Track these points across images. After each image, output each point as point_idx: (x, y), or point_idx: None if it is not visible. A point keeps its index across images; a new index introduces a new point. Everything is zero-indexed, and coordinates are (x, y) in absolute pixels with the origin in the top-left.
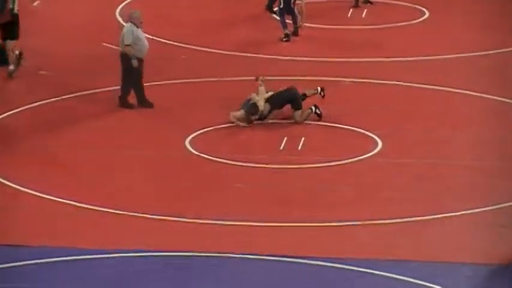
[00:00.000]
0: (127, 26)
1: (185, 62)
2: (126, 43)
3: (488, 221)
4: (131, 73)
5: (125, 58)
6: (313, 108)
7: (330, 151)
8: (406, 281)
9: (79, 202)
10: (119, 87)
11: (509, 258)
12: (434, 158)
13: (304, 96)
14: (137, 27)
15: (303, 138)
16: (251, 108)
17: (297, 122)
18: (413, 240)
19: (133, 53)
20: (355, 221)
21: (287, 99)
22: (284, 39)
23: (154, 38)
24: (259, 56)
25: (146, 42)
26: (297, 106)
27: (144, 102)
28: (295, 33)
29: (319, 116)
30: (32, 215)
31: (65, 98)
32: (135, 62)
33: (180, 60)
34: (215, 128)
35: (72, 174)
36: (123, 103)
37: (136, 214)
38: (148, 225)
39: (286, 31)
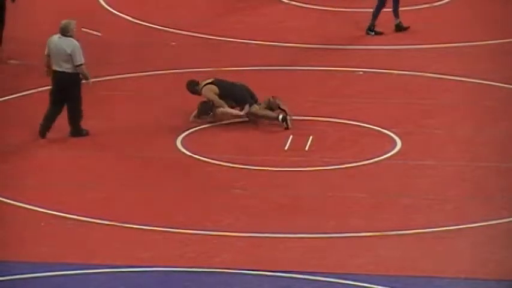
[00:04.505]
0: (68, 40)
1: (175, 49)
2: (78, 63)
3: None
4: (79, 96)
5: (72, 80)
6: (281, 116)
7: (341, 152)
8: None
9: (60, 211)
10: (101, 78)
11: None
12: (460, 159)
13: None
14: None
15: (310, 137)
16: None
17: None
18: (438, 254)
19: (86, 72)
20: (370, 232)
21: (236, 98)
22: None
23: (139, 21)
24: (255, 42)
25: None
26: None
27: (81, 131)
28: (400, 28)
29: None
30: (6, 225)
31: (38, 91)
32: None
33: (169, 48)
34: (210, 126)
35: (50, 178)
36: (77, 132)
37: (125, 225)
38: (139, 237)
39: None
